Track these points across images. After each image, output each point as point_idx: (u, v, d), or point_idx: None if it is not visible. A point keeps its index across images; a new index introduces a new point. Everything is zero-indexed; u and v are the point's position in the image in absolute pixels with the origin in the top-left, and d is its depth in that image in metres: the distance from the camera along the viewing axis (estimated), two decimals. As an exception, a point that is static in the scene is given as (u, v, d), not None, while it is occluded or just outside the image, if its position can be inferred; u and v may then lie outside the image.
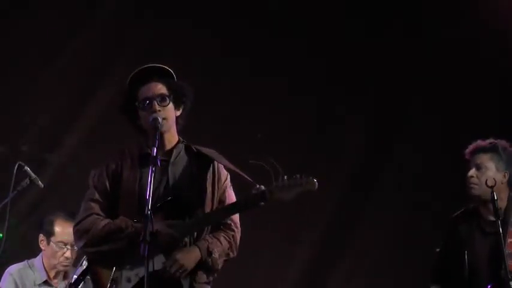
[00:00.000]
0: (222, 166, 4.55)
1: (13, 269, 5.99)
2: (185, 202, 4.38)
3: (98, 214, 4.47)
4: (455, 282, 5.19)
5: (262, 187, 4.27)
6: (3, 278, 5.98)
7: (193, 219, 4.34)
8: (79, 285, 5.17)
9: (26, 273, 5.96)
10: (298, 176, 4.26)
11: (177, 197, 4.38)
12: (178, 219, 4.33)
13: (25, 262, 6.03)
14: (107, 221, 4.43)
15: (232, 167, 4.49)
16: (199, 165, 4.52)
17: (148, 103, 4.45)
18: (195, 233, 4.42)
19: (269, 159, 4.21)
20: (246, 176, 4.40)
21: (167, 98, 4.47)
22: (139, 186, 4.43)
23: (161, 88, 4.49)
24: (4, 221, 5.46)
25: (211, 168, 4.52)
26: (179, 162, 4.52)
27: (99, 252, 4.43)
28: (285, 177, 4.25)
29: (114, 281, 4.36)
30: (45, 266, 5.96)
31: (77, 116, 7.55)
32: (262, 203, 4.29)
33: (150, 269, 4.12)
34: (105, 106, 7.47)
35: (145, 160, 4.45)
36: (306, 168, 7.61)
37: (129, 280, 4.35)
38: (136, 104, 4.49)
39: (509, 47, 7.66)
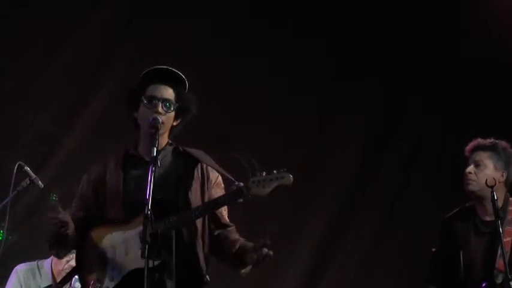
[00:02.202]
0: (212, 160, 4.55)
1: (20, 268, 6.02)
2: (170, 202, 4.36)
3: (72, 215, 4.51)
4: (451, 283, 5.20)
5: (241, 184, 4.26)
6: (11, 275, 6.00)
7: (174, 217, 4.32)
8: (65, 283, 5.17)
9: (32, 275, 5.97)
10: (274, 171, 4.24)
11: (163, 197, 4.36)
12: (163, 219, 4.30)
13: (35, 263, 6.05)
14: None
15: (217, 167, 4.49)
16: (186, 165, 4.50)
17: (151, 102, 4.44)
18: (184, 234, 4.40)
19: (246, 155, 4.21)
20: (230, 177, 4.39)
21: (172, 105, 4.45)
22: (124, 188, 4.42)
23: (171, 94, 4.46)
24: (4, 221, 5.48)
25: (199, 168, 4.51)
26: (165, 163, 4.49)
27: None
28: (263, 173, 4.23)
29: (98, 280, 4.36)
30: (52, 270, 5.98)
31: (77, 116, 7.55)
32: (241, 199, 4.28)
33: (133, 268, 4.19)
34: (105, 106, 7.48)
35: (129, 161, 4.46)
36: (306, 168, 7.73)
37: (112, 279, 4.35)
38: (142, 98, 4.47)
39: (510, 47, 7.66)
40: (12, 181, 5.43)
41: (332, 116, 7.94)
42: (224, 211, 4.53)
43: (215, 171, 4.52)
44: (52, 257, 6.02)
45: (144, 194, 4.12)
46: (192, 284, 4.43)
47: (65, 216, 4.40)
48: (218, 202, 4.38)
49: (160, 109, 4.42)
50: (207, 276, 4.47)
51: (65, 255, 4.66)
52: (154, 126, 4.36)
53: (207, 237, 4.49)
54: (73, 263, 5.81)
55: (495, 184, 5.02)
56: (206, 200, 4.48)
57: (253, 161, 4.22)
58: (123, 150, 4.57)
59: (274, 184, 4.22)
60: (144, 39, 7.60)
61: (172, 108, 4.45)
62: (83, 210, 4.51)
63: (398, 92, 7.94)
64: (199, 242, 4.45)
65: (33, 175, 5.52)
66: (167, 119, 4.44)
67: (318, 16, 7.83)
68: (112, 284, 4.34)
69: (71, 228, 4.40)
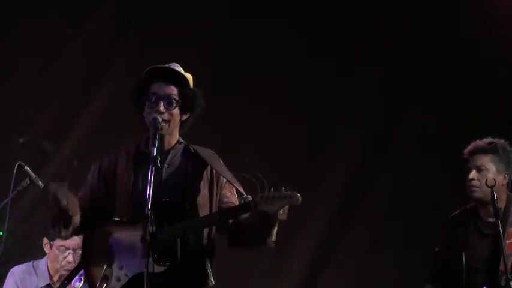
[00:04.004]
0: (221, 164, 4.54)
1: (16, 269, 6.01)
2: (177, 205, 4.35)
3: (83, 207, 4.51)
4: (452, 284, 5.19)
5: (249, 197, 4.24)
6: (7, 277, 6.00)
7: (178, 225, 4.29)
8: (71, 280, 5.18)
9: (28, 275, 5.97)
10: (283, 188, 4.20)
11: (169, 199, 4.35)
12: (169, 221, 4.28)
13: (30, 263, 6.04)
14: None
15: (226, 173, 4.45)
16: (196, 166, 4.47)
17: (154, 100, 4.42)
18: (190, 237, 4.39)
19: (255, 171, 4.19)
20: (238, 187, 4.39)
21: (175, 102, 4.43)
22: (133, 186, 4.41)
23: (173, 91, 4.43)
24: (4, 221, 5.48)
25: (208, 171, 4.48)
26: (175, 163, 4.48)
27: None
28: (271, 189, 4.20)
29: (105, 278, 4.36)
30: (49, 269, 5.98)
31: (77, 116, 7.56)
32: (248, 213, 4.25)
33: (139, 271, 4.17)
34: (105, 106, 7.48)
35: (140, 159, 4.44)
36: (306, 168, 7.72)
37: (118, 279, 4.35)
38: (144, 97, 4.46)
39: (510, 47, 7.66)
40: (12, 181, 5.44)
41: (332, 116, 7.93)
42: (233, 198, 4.48)
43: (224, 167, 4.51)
44: (47, 256, 6.02)
45: (152, 193, 4.11)
46: (197, 286, 4.43)
47: (72, 204, 4.39)
48: (225, 214, 4.36)
49: (162, 108, 4.41)
50: (212, 279, 4.46)
51: (67, 237, 4.64)
52: (155, 126, 4.36)
53: (213, 236, 4.47)
54: (70, 258, 5.87)
55: (495, 184, 5.01)
56: (215, 202, 4.46)
57: (262, 178, 4.19)
58: (134, 146, 4.56)
59: (282, 203, 4.19)
60: (144, 39, 7.60)
61: (174, 105, 4.43)
62: (91, 202, 4.50)
63: (398, 92, 7.93)
64: (206, 243, 4.44)
65: (33, 175, 5.52)
66: (170, 116, 4.43)
67: (318, 15, 7.83)
68: (118, 285, 4.34)
69: (76, 215, 4.40)
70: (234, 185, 4.40)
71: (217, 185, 4.48)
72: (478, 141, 5.26)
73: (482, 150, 5.20)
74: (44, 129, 7.45)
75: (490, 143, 5.22)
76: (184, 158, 4.51)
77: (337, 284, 7.79)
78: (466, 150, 5.27)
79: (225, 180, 4.48)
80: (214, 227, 4.46)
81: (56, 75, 7.51)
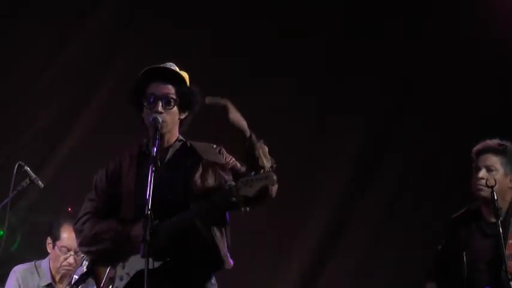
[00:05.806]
0: (223, 153, 4.55)
1: (18, 268, 6.02)
2: (178, 202, 4.36)
3: (93, 213, 4.52)
4: (454, 283, 5.19)
5: (233, 183, 4.27)
6: (9, 276, 6.01)
7: (173, 218, 4.30)
8: (79, 285, 5.19)
9: (30, 275, 5.97)
10: (262, 171, 4.24)
11: (170, 197, 4.36)
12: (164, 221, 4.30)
13: (32, 263, 6.05)
14: (97, 222, 4.48)
15: (219, 162, 4.47)
16: (193, 161, 4.49)
17: (152, 101, 4.44)
18: (198, 226, 4.39)
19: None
20: (225, 176, 4.41)
21: (172, 101, 4.46)
22: (136, 186, 4.43)
23: (170, 90, 4.47)
24: (4, 221, 5.49)
25: (204, 161, 4.49)
26: (174, 161, 4.51)
27: (90, 251, 4.54)
28: (252, 173, 4.24)
29: (110, 279, 4.40)
30: (51, 268, 5.98)
31: (77, 116, 7.56)
32: (234, 199, 4.25)
33: (140, 268, 4.18)
34: (105, 106, 7.48)
35: (142, 159, 4.46)
36: (306, 168, 7.72)
37: (121, 278, 4.38)
38: (142, 98, 4.48)
39: (510, 47, 7.66)
40: (12, 181, 5.44)
41: (332, 116, 7.93)
42: (236, 167, 4.50)
43: (222, 159, 4.52)
44: (49, 255, 6.03)
45: (154, 193, 4.11)
46: (212, 270, 4.44)
47: None
48: (213, 203, 4.35)
49: (160, 108, 4.43)
50: (231, 261, 4.44)
51: None
52: (155, 126, 4.37)
53: (221, 218, 4.47)
54: (71, 260, 5.87)
55: (495, 184, 5.00)
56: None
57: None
58: (137, 147, 4.58)
59: (260, 184, 4.21)
60: (144, 39, 7.60)
61: (172, 104, 4.46)
62: (102, 208, 4.53)
63: (398, 92, 7.93)
64: (214, 227, 4.42)
65: (33, 175, 5.53)
66: (169, 115, 4.46)
67: (317, 16, 7.83)
68: (122, 284, 4.38)
69: None
70: (223, 175, 4.42)
71: (216, 172, 4.48)
72: (487, 141, 5.25)
73: (493, 151, 5.19)
74: (44, 129, 7.45)
75: (501, 145, 5.21)
76: (182, 155, 4.54)
77: (337, 284, 7.79)
78: (475, 149, 5.25)
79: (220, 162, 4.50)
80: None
81: (56, 75, 7.52)
